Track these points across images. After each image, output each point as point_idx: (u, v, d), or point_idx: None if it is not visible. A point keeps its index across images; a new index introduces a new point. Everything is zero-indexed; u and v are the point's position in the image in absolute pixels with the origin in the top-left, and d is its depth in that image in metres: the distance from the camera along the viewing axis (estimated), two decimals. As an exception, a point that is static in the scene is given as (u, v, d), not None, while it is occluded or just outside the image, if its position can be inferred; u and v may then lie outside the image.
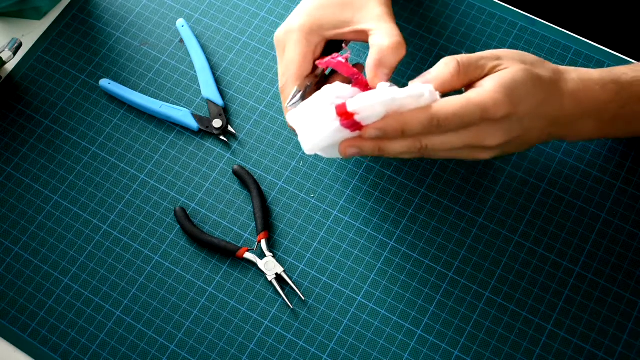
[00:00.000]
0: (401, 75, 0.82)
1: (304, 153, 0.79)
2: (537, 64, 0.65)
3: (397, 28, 0.67)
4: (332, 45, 0.71)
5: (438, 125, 0.60)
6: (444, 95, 0.62)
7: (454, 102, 0.61)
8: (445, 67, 0.63)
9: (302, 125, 0.63)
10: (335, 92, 0.63)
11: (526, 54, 0.65)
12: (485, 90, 0.61)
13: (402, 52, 0.65)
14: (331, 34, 0.69)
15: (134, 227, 0.77)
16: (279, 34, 0.70)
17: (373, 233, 0.75)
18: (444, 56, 0.82)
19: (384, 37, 0.66)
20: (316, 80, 0.69)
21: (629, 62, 0.81)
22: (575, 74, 0.66)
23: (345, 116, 0.60)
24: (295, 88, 0.67)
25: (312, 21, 0.68)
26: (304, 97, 0.67)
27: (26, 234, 0.77)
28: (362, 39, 0.69)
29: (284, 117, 0.81)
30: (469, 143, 0.63)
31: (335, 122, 0.61)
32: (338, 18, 0.68)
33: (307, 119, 0.62)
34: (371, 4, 0.68)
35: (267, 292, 0.74)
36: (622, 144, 0.78)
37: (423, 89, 0.61)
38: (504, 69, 0.63)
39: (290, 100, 0.67)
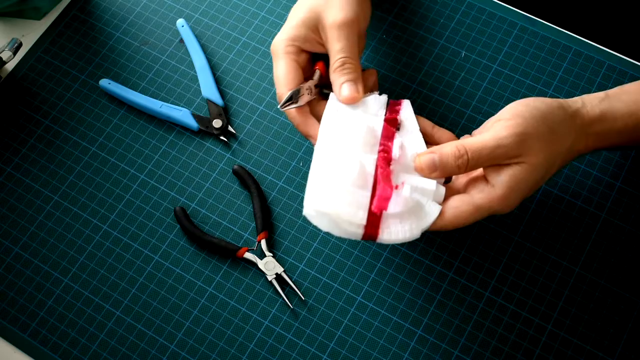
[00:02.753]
0: (400, 75, 0.82)
1: (304, 153, 0.79)
2: (560, 130, 0.64)
3: (347, 43, 0.68)
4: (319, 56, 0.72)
5: (447, 230, 0.64)
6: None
7: (464, 212, 0.62)
8: (454, 162, 0.63)
9: (330, 207, 0.63)
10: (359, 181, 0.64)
11: (552, 114, 0.64)
12: (495, 196, 0.62)
13: (349, 69, 0.67)
14: (309, 47, 0.71)
15: (134, 227, 0.77)
16: (271, 45, 0.72)
17: (373, 233, 0.75)
18: (443, 56, 0.83)
19: (333, 49, 0.68)
20: (315, 82, 0.70)
21: (629, 62, 0.81)
22: (598, 127, 0.66)
23: (370, 238, 0.63)
24: (288, 94, 0.68)
25: (294, 34, 0.70)
26: (297, 99, 0.68)
27: (26, 234, 0.77)
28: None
29: (285, 118, 0.81)
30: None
31: (358, 231, 0.62)
32: (308, 25, 0.70)
33: (335, 205, 0.63)
34: (327, 22, 0.69)
35: (267, 292, 0.74)
36: (622, 144, 0.78)
37: (436, 213, 0.63)
38: (521, 165, 0.62)
39: (284, 104, 0.68)
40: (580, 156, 0.68)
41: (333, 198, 0.62)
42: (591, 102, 0.67)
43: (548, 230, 0.75)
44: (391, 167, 0.64)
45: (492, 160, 0.62)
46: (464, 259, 0.74)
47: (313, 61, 0.72)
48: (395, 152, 0.65)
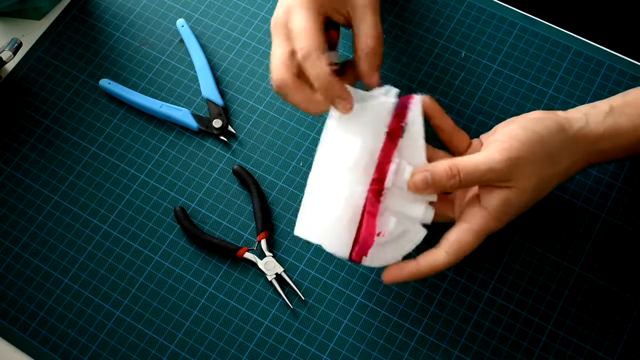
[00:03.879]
0: (400, 75, 0.82)
1: (304, 153, 0.79)
2: (557, 150, 0.64)
3: (379, 21, 0.66)
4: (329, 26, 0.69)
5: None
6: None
7: (467, 242, 0.63)
8: (446, 181, 0.63)
9: (315, 230, 0.65)
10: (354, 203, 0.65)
11: (551, 138, 0.64)
12: (486, 219, 0.63)
13: (382, 45, 0.66)
14: (329, 11, 0.67)
15: (134, 227, 0.77)
16: (278, 13, 0.67)
17: (373, 233, 0.75)
18: (443, 56, 0.83)
19: (370, 28, 0.65)
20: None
21: (629, 62, 0.81)
22: (602, 145, 0.66)
23: (354, 262, 0.65)
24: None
25: None
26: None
27: (26, 234, 0.77)
28: (349, 25, 0.68)
29: (285, 118, 0.81)
30: None
31: (344, 256, 0.64)
32: (335, 3, 0.66)
33: (322, 231, 0.65)
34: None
35: (267, 292, 0.74)
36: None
37: (421, 237, 0.65)
38: (509, 189, 0.63)
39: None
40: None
41: (319, 232, 0.64)
42: (595, 120, 0.66)
43: (548, 230, 0.75)
44: (382, 198, 0.64)
45: (484, 182, 0.63)
46: (464, 259, 0.74)
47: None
48: (390, 179, 0.64)
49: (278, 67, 0.64)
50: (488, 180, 0.62)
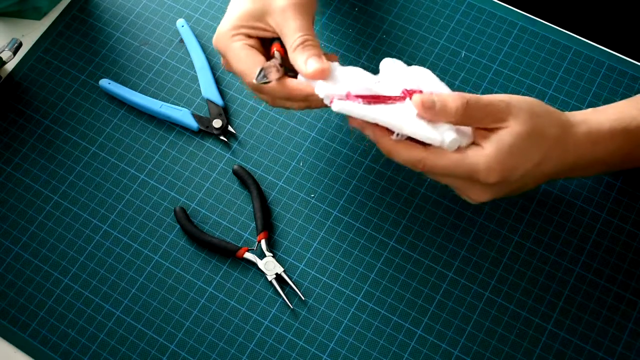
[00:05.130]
0: (401, 75, 0.82)
1: (304, 153, 0.79)
2: (546, 117, 0.64)
3: (307, 22, 0.66)
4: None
5: (424, 169, 0.62)
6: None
7: (449, 156, 0.62)
8: (452, 102, 0.62)
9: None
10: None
11: (538, 104, 0.64)
12: (482, 155, 0.61)
13: (311, 46, 0.66)
14: (254, 33, 0.69)
15: (134, 227, 0.77)
16: (214, 40, 0.70)
17: (373, 233, 0.75)
18: (443, 56, 0.83)
19: (293, 30, 0.66)
20: (279, 62, 0.68)
21: (629, 62, 0.81)
22: (585, 127, 0.65)
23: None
24: (259, 68, 0.66)
25: (238, 23, 0.68)
26: (267, 75, 0.66)
27: (26, 234, 0.77)
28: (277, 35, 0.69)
29: (285, 117, 0.81)
30: (458, 189, 0.65)
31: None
32: (253, 14, 0.68)
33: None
34: (280, 3, 0.67)
35: (267, 292, 0.74)
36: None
37: (443, 137, 0.62)
38: (506, 129, 0.62)
39: (258, 77, 0.66)
40: (567, 174, 0.67)
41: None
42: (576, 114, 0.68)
43: (548, 230, 0.75)
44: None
45: (486, 113, 0.62)
46: (464, 259, 0.74)
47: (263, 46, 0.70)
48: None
49: (251, 70, 0.67)
50: (489, 113, 0.61)
